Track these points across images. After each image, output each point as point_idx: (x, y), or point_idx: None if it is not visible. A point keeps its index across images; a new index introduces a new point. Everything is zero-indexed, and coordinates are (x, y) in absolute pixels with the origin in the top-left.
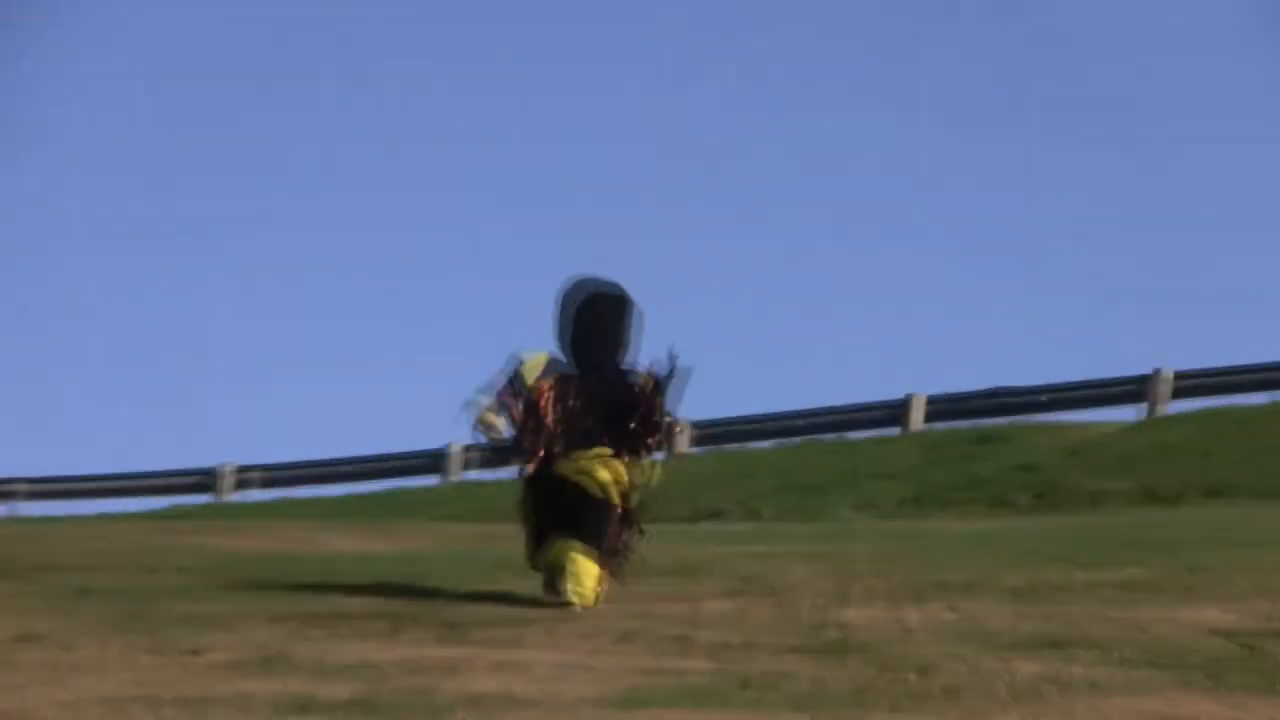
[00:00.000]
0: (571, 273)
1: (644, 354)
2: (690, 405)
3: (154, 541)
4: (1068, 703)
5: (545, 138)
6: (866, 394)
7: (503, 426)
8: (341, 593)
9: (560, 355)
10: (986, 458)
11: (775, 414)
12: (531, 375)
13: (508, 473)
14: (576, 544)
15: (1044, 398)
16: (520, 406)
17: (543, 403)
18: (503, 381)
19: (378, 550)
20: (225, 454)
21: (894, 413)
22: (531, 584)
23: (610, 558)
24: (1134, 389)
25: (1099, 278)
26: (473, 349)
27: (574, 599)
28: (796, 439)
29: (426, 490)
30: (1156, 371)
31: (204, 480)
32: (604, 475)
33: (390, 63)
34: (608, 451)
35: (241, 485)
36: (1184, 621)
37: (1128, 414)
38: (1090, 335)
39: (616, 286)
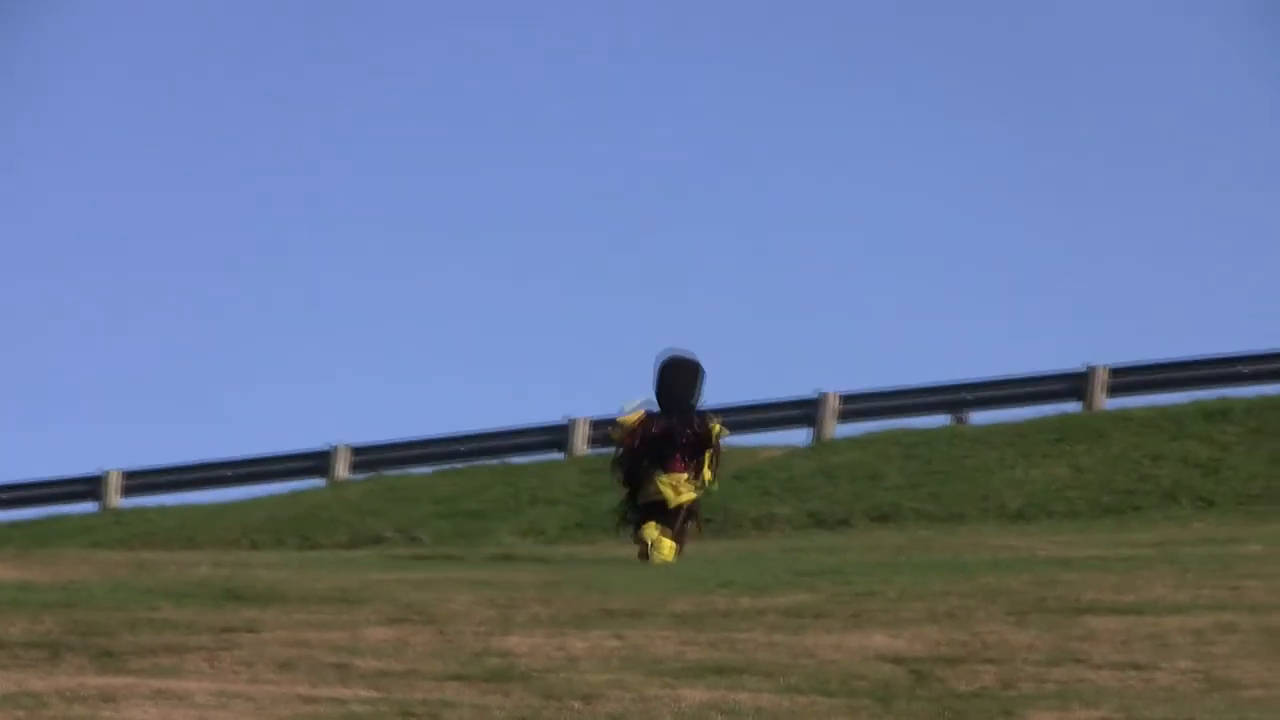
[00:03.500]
0: None
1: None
2: (350, 430)
3: None
4: None
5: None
6: (529, 418)
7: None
8: (0, 621)
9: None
10: None
11: (436, 438)
12: (630, 418)
13: (240, 493)
14: (660, 529)
15: None
16: (621, 432)
17: (636, 422)
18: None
19: (35, 578)
20: None
21: (557, 437)
22: (190, 611)
23: (678, 538)
24: (801, 412)
25: (764, 299)
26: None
27: (660, 560)
28: (459, 464)
29: (83, 517)
30: (822, 395)
31: None
32: (673, 492)
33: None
34: (681, 476)
35: None
36: (852, 648)
37: (795, 437)
38: (757, 357)
39: (690, 356)
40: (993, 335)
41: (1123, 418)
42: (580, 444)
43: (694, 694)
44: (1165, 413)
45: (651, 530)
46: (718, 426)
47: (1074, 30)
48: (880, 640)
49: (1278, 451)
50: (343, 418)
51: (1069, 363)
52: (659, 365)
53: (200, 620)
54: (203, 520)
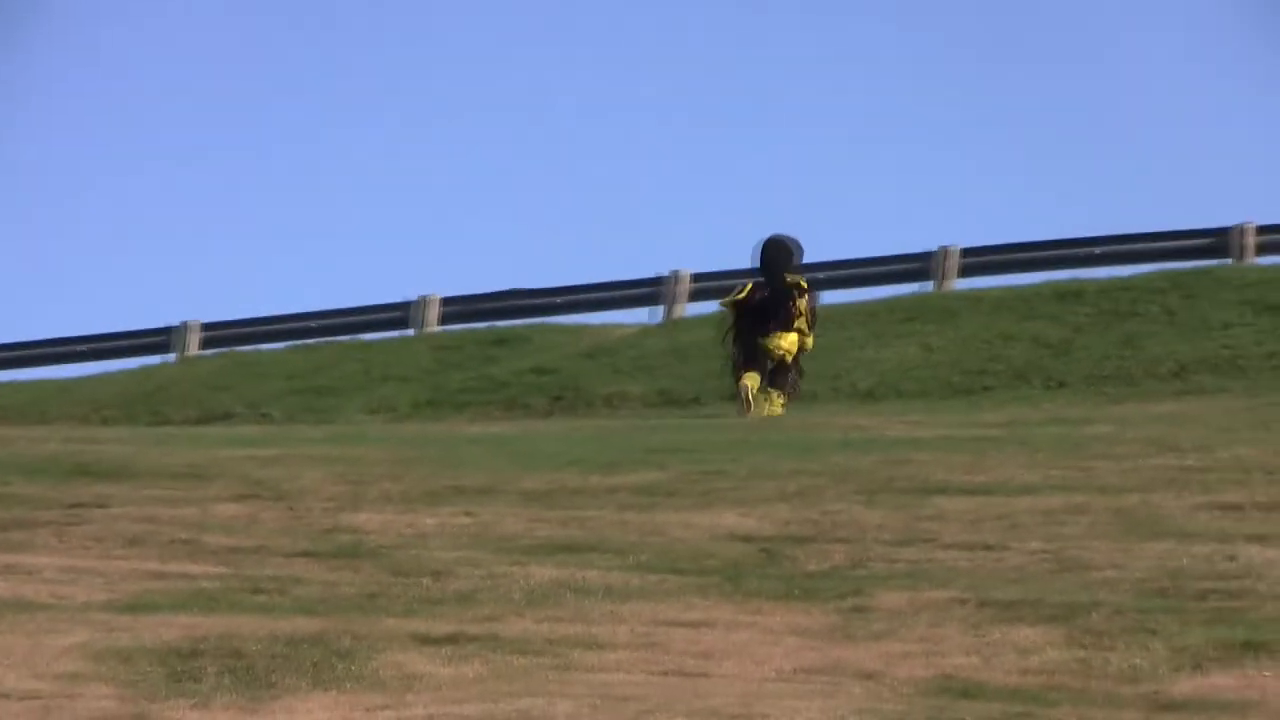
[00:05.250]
0: None
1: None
2: (201, 307)
3: None
4: (583, 607)
5: None
6: (380, 295)
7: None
8: None
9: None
10: (502, 360)
11: (287, 315)
12: (744, 290)
13: (92, 368)
14: (764, 381)
15: (560, 299)
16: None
17: (745, 293)
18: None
19: None
20: None
21: (408, 314)
22: (40, 486)
23: (789, 390)
24: (650, 291)
25: (614, 181)
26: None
27: (771, 412)
28: (309, 340)
29: None
30: (673, 273)
31: None
32: (783, 345)
33: None
34: (784, 334)
35: None
36: (702, 526)
37: (644, 316)
38: (607, 237)
39: (786, 237)
40: (845, 215)
41: (974, 298)
42: (431, 321)
43: (543, 571)
44: (1017, 293)
45: (753, 379)
46: (803, 283)
47: None
48: (730, 519)
49: (1129, 333)
50: (194, 294)
51: (921, 243)
52: (759, 246)
53: (50, 495)
54: (54, 396)
